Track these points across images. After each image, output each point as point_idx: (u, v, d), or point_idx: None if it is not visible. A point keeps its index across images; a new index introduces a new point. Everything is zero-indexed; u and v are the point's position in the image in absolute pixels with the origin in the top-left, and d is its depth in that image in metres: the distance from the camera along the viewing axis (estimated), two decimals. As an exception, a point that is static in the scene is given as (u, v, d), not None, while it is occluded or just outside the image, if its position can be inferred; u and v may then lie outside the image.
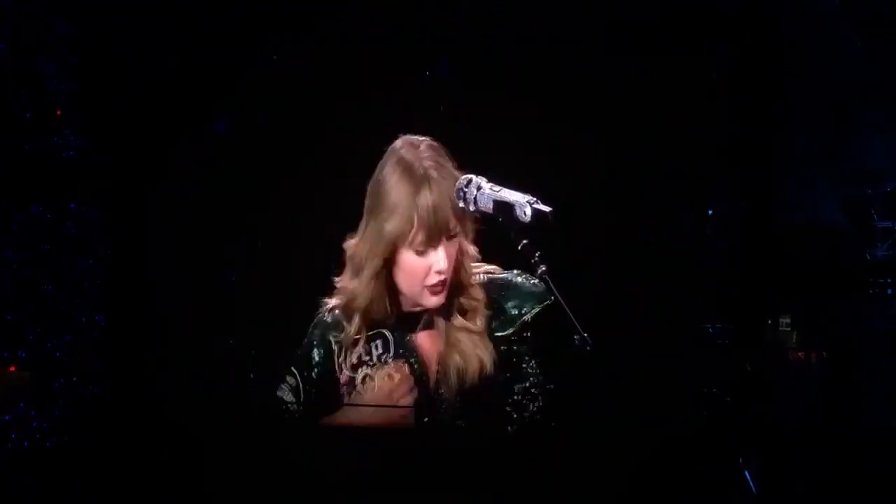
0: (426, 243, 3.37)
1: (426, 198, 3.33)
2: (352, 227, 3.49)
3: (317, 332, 3.47)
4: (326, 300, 3.54)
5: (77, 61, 5.55)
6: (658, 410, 4.68)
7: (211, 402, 4.37)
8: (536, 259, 3.10)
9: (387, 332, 3.56)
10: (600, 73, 5.40)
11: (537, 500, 3.81)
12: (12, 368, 5.37)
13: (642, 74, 5.28)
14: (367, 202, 3.48)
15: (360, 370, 3.65)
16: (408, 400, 3.58)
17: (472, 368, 3.59)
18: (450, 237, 3.41)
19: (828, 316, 5.19)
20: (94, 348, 5.41)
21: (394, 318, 3.51)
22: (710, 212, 5.15)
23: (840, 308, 5.16)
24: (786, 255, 5.11)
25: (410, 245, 3.36)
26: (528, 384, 3.74)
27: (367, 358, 3.57)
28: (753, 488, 4.11)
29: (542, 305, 3.61)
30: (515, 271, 3.58)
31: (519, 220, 3.07)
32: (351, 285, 3.48)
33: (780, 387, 4.97)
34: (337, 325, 3.51)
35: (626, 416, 4.58)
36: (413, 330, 3.53)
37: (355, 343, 3.53)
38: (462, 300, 3.53)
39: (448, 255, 3.41)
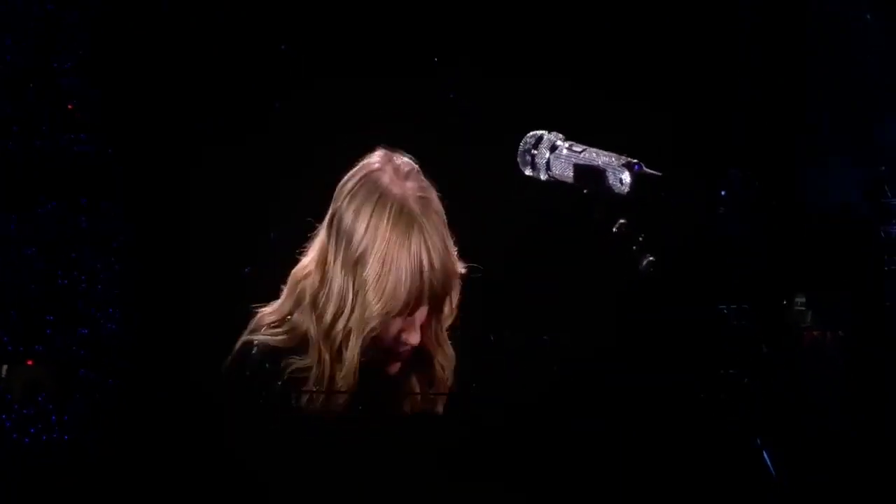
0: (405, 307, 2.77)
1: (417, 251, 2.74)
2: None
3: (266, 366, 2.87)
4: (255, 336, 2.96)
5: (90, 56, 5.56)
6: (674, 392, 4.68)
7: (226, 398, 4.38)
8: (638, 246, 2.41)
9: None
10: (619, 55, 5.39)
11: (552, 488, 3.81)
12: (30, 363, 5.40)
13: (662, 59, 5.27)
14: (332, 228, 2.84)
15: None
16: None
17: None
18: (432, 303, 2.81)
19: (846, 296, 5.18)
20: (111, 342, 5.43)
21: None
22: (722, 193, 5.14)
23: (858, 288, 5.15)
24: (804, 235, 5.09)
25: (388, 307, 2.76)
26: None
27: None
28: (773, 470, 4.10)
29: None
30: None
31: (611, 190, 2.39)
32: (302, 322, 2.87)
33: (798, 368, 4.96)
34: (289, 354, 2.92)
35: (642, 400, 4.57)
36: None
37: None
38: (427, 370, 2.96)
39: (423, 325, 2.82)
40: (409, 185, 2.80)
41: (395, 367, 2.90)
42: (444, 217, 2.87)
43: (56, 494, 4.10)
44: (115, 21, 5.72)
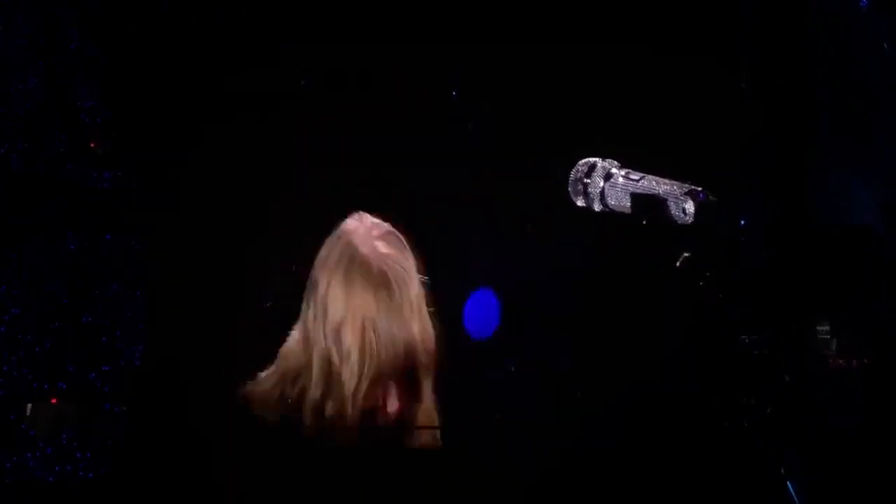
0: (380, 378, 2.65)
1: (386, 323, 2.62)
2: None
3: None
4: None
5: (110, 91, 5.60)
6: (697, 423, 4.66)
7: (248, 431, 4.38)
8: (705, 282, 2.17)
9: None
10: (627, 77, 5.39)
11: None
12: (54, 400, 5.42)
13: (672, 81, 5.26)
14: (309, 298, 2.74)
15: None
16: None
17: None
18: (408, 374, 2.67)
19: (867, 321, 5.15)
20: (135, 378, 5.44)
21: None
22: (742, 222, 5.13)
23: (879, 312, 5.12)
24: (822, 262, 5.07)
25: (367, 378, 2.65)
26: None
27: None
28: (797, 500, 4.07)
29: None
30: None
31: (674, 219, 2.21)
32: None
33: (821, 396, 4.93)
34: None
35: (664, 429, 4.56)
36: None
37: None
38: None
39: (401, 398, 2.68)
40: (384, 253, 2.66)
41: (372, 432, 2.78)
42: (421, 282, 2.77)
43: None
44: (136, 55, 5.77)
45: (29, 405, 5.45)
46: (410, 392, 2.75)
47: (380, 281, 2.62)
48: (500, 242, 5.25)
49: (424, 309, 2.72)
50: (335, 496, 3.40)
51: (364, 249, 2.67)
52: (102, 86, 5.63)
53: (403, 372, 2.71)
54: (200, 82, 5.73)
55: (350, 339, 2.66)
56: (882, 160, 5.28)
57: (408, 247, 2.79)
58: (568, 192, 2.39)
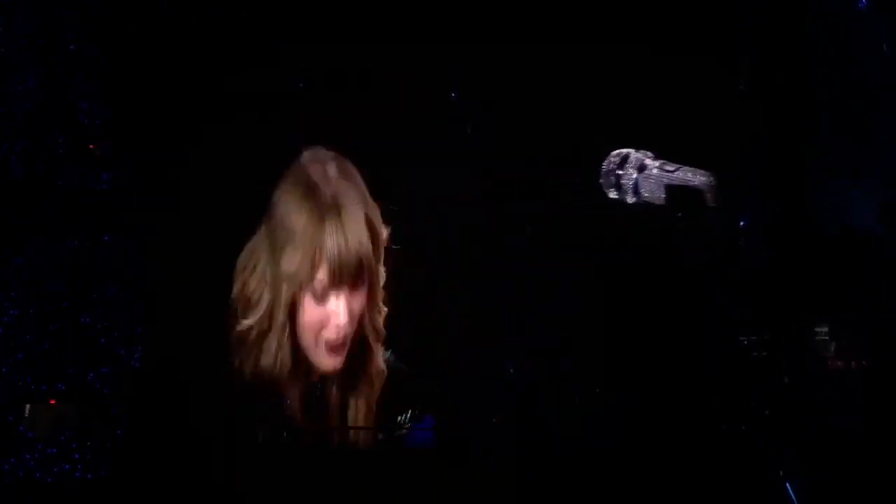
0: (327, 289, 2.91)
1: (333, 232, 2.88)
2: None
3: None
4: None
5: (109, 92, 5.60)
6: (696, 425, 4.66)
7: (246, 432, 4.37)
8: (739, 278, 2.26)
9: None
10: (627, 77, 5.39)
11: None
12: (53, 402, 5.41)
13: (671, 83, 5.26)
14: (264, 228, 3.00)
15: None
16: None
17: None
18: (355, 285, 2.97)
19: (867, 322, 5.15)
20: (134, 380, 5.44)
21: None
22: (741, 223, 5.13)
23: (879, 315, 5.12)
24: (822, 264, 5.07)
25: (310, 290, 2.92)
26: None
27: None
28: (795, 499, 4.06)
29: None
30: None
31: (709, 211, 2.12)
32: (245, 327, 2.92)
33: (820, 398, 4.93)
34: None
35: (664, 432, 4.56)
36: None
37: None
38: (362, 375, 3.04)
39: (350, 309, 2.96)
40: (331, 173, 3.01)
41: (327, 362, 3.01)
42: (367, 197, 3.07)
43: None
44: (136, 57, 5.77)
45: (28, 406, 5.44)
46: (358, 306, 2.95)
47: (330, 203, 2.92)
48: (499, 244, 5.25)
49: (373, 226, 3.00)
50: (336, 496, 3.40)
51: (315, 176, 3.04)
52: (102, 86, 5.63)
53: (355, 283, 2.91)
54: (200, 82, 5.73)
55: (298, 259, 2.91)
56: (882, 161, 5.28)
57: (357, 174, 3.14)
58: (600, 183, 2.37)
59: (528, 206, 5.35)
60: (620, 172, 2.26)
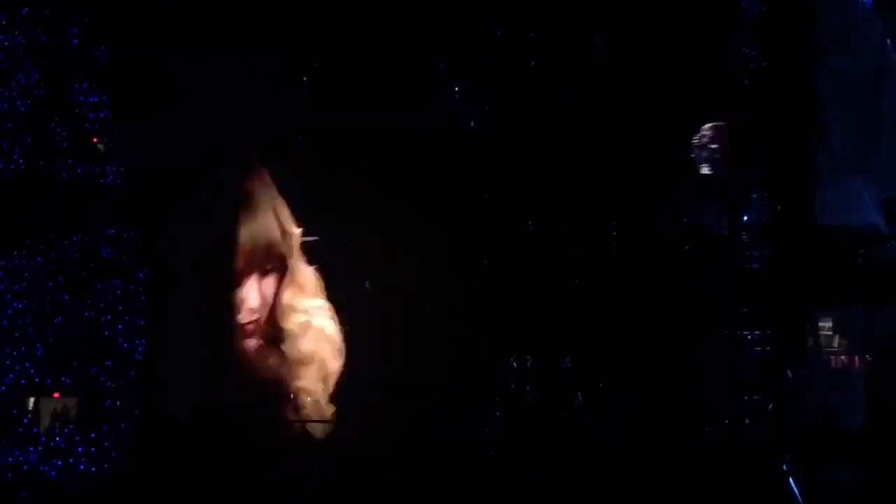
0: (240, 274, 3.20)
1: (243, 218, 3.23)
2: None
3: None
4: None
5: (111, 89, 5.61)
6: (699, 419, 4.67)
7: (244, 424, 4.37)
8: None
9: None
10: (631, 75, 5.40)
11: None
12: (56, 395, 5.42)
13: (674, 80, 5.27)
14: None
15: None
16: None
17: None
18: (265, 270, 3.22)
19: (868, 318, 5.16)
20: (136, 373, 5.44)
21: None
22: (745, 217, 5.13)
23: (881, 310, 5.13)
24: (823, 259, 5.08)
25: (228, 273, 3.20)
26: None
27: None
28: (798, 496, 4.07)
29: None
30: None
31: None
32: None
33: (822, 392, 4.94)
34: None
35: (667, 427, 4.57)
36: None
37: None
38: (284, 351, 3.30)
39: (262, 293, 3.18)
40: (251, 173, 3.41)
41: (248, 343, 3.39)
42: (276, 195, 3.52)
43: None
44: (136, 54, 5.78)
45: (31, 399, 5.45)
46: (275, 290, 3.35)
47: (244, 192, 3.47)
48: (500, 239, 5.26)
49: (281, 216, 3.48)
50: (344, 495, 3.43)
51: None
52: (103, 83, 5.64)
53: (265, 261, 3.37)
54: (199, 77, 5.74)
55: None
56: (883, 159, 5.29)
57: (268, 174, 3.63)
58: (690, 158, 2.36)
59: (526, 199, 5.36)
60: (714, 147, 2.09)
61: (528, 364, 5.29)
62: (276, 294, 3.24)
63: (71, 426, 5.34)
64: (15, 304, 5.40)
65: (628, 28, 5.39)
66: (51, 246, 5.46)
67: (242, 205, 3.36)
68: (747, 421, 4.64)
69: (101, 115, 5.58)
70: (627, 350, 5.09)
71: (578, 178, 5.42)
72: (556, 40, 5.48)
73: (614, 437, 4.51)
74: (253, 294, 3.15)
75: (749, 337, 5.09)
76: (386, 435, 4.00)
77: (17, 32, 5.56)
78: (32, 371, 5.36)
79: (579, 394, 5.05)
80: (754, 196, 5.18)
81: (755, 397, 4.85)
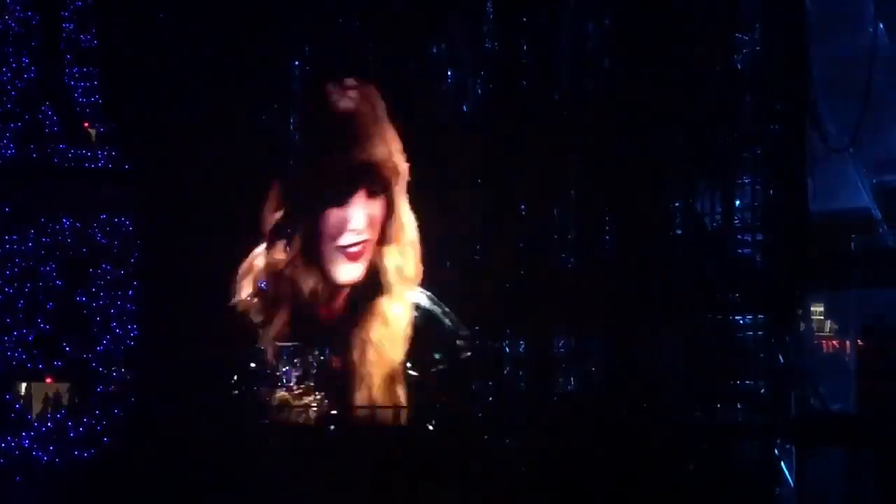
0: (342, 194, 3.33)
1: (347, 140, 3.37)
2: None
3: None
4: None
5: (102, 73, 5.58)
6: (691, 404, 4.68)
7: (239, 410, 4.37)
8: None
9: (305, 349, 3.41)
10: (626, 68, 5.38)
11: (575, 488, 3.81)
12: (49, 380, 5.40)
13: (669, 68, 5.26)
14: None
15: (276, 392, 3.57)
16: None
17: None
18: (372, 193, 3.26)
19: (861, 302, 5.15)
20: (129, 358, 5.43)
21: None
22: (737, 203, 5.12)
23: (872, 294, 5.12)
24: (816, 244, 5.07)
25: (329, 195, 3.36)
26: None
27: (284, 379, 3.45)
28: (791, 479, 4.08)
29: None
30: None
31: None
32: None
33: (814, 376, 4.93)
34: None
35: (660, 411, 4.57)
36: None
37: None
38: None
39: (369, 214, 3.15)
40: (350, 93, 3.62)
41: (346, 269, 3.39)
42: (385, 116, 3.66)
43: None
44: (131, 40, 5.76)
45: (24, 385, 5.43)
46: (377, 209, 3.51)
47: (338, 115, 3.62)
48: (500, 232, 5.25)
49: (389, 138, 3.58)
50: (342, 486, 3.44)
51: (335, 96, 3.75)
52: (96, 68, 5.62)
53: (371, 185, 3.49)
54: (196, 64, 5.72)
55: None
56: (876, 144, 5.28)
57: (372, 91, 3.75)
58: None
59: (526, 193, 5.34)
60: None
61: (521, 348, 5.28)
62: (384, 222, 3.48)
63: (63, 411, 5.33)
64: (6, 290, 5.38)
65: (626, 15, 5.38)
66: (43, 231, 5.44)
67: (352, 122, 3.58)
68: (739, 405, 4.64)
69: (93, 99, 5.56)
70: (616, 333, 5.09)
71: (572, 162, 5.41)
72: (550, 25, 5.48)
73: (605, 421, 4.51)
74: (359, 214, 3.38)
75: (741, 322, 5.10)
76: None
77: (7, 17, 5.54)
78: (24, 356, 5.34)
79: (571, 378, 5.05)
80: (746, 181, 5.18)
81: (747, 381, 4.85)
